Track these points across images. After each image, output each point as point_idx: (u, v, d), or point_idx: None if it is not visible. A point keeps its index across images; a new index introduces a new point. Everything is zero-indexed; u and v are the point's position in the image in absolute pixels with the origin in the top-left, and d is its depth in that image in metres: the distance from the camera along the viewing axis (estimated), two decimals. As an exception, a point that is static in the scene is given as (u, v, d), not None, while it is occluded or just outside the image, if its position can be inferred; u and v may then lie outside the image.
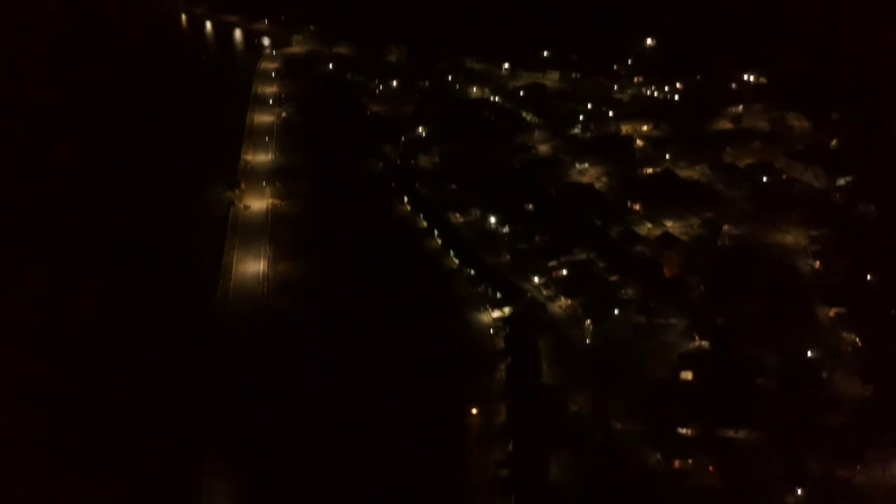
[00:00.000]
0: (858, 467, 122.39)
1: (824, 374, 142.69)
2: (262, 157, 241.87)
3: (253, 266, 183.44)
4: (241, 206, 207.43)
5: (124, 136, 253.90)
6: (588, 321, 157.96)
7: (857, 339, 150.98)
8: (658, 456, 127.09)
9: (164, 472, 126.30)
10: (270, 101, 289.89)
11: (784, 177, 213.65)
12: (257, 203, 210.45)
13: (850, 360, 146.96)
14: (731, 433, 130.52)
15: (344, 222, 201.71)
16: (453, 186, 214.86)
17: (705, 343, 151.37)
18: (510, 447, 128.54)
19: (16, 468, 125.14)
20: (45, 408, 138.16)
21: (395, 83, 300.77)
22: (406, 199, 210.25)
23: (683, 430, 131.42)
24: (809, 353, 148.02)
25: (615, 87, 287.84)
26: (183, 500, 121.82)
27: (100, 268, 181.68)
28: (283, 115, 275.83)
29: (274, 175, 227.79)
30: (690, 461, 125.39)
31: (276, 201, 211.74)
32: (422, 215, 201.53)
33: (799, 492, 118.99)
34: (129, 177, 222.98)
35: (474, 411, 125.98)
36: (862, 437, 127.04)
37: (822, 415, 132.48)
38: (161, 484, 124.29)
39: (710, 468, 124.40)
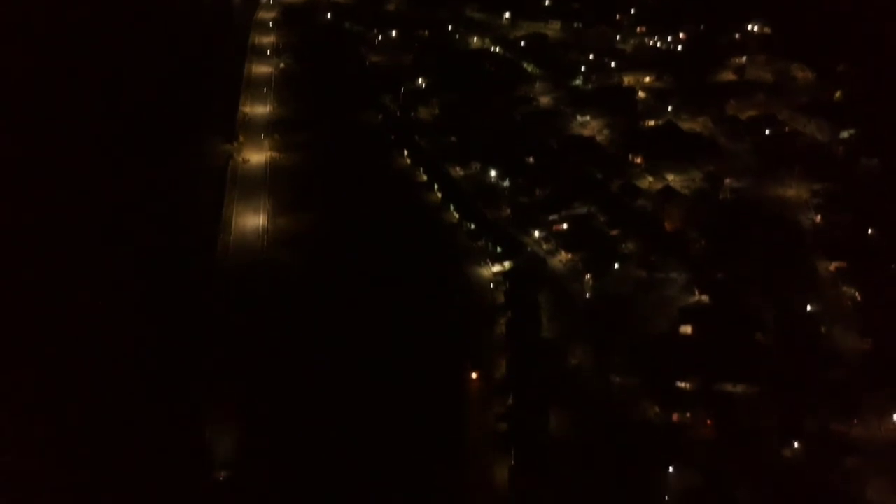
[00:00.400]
0: (855, 421, 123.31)
1: (823, 329, 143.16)
2: (260, 109, 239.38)
3: (252, 220, 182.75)
4: (240, 159, 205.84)
5: (120, 89, 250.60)
6: (588, 276, 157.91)
7: (857, 294, 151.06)
8: (656, 409, 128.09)
9: (167, 423, 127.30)
10: (268, 52, 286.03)
11: (787, 129, 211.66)
12: (256, 156, 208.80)
13: (850, 314, 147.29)
14: (729, 387, 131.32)
15: (343, 175, 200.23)
16: (453, 139, 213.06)
17: (705, 298, 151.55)
18: (510, 401, 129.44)
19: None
20: (46, 355, 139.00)
21: (394, 33, 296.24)
22: (405, 151, 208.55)
23: (682, 384, 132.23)
24: (809, 308, 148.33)
25: (618, 37, 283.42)
26: (186, 449, 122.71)
27: (98, 221, 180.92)
28: (281, 65, 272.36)
29: (272, 127, 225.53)
30: (688, 415, 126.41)
31: (275, 154, 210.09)
32: (421, 168, 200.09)
33: (795, 445, 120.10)
34: (126, 130, 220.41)
35: (474, 375, 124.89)
36: (859, 391, 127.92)
37: (821, 369, 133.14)
38: (163, 434, 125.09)
39: (708, 422, 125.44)
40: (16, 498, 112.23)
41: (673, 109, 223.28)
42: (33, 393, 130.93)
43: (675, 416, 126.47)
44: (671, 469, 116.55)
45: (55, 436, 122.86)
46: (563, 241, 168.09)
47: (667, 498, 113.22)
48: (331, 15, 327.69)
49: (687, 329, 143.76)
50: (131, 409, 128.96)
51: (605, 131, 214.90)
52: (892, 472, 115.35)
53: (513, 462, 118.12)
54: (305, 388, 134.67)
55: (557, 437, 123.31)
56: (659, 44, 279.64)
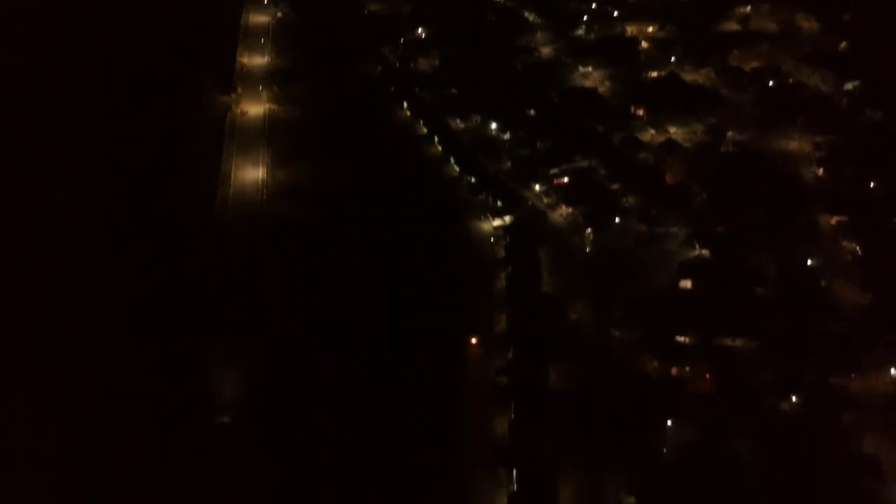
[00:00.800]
0: (853, 375, 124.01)
1: (823, 283, 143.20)
2: (258, 60, 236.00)
3: (252, 173, 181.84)
4: (238, 111, 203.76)
5: (115, 41, 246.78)
6: (588, 230, 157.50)
7: (858, 248, 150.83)
8: (655, 363, 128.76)
9: (169, 366, 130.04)
10: (265, 1, 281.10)
11: (791, 81, 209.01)
12: (254, 108, 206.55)
13: (850, 268, 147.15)
14: (728, 342, 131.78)
15: (342, 128, 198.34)
16: (453, 91, 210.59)
17: (705, 252, 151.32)
18: (510, 355, 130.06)
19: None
20: (50, 300, 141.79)
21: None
22: (405, 103, 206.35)
23: (681, 339, 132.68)
24: (809, 262, 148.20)
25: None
26: (188, 391, 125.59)
27: (96, 172, 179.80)
28: (279, 14, 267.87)
29: (270, 78, 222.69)
30: (687, 369, 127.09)
31: (274, 106, 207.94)
32: (421, 121, 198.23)
33: (794, 399, 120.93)
34: (122, 81, 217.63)
35: (474, 340, 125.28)
36: (858, 345, 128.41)
37: (820, 323, 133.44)
38: (166, 380, 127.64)
39: (707, 376, 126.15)
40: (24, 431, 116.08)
41: (676, 60, 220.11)
42: (39, 347, 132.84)
43: (674, 371, 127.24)
44: (669, 423, 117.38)
45: (60, 384, 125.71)
46: (564, 195, 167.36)
47: (665, 451, 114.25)
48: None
49: (687, 283, 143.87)
50: (134, 357, 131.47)
51: (607, 83, 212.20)
52: (890, 425, 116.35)
53: (513, 416, 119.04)
54: (305, 339, 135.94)
55: (557, 390, 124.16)
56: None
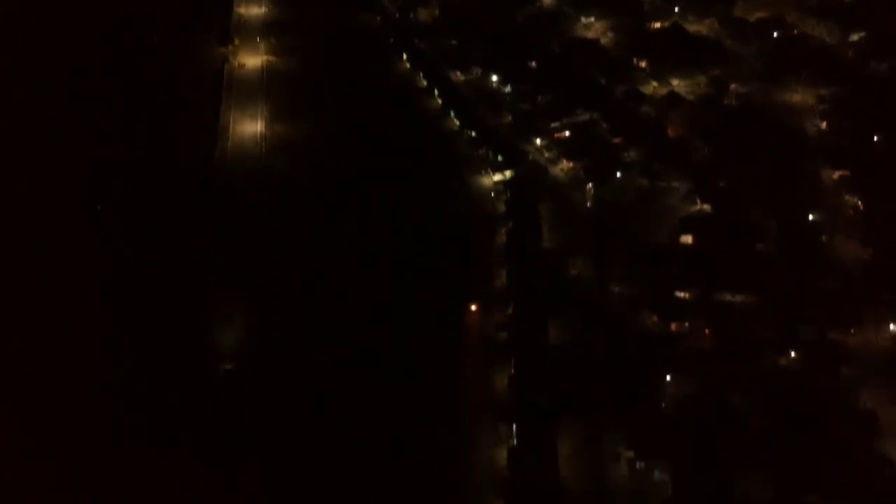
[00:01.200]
0: (852, 331, 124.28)
1: (824, 238, 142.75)
2: (255, 10, 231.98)
3: (250, 126, 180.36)
4: (236, 63, 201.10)
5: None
6: (590, 184, 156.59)
7: (860, 203, 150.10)
8: (655, 319, 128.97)
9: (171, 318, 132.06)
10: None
11: (795, 32, 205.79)
12: (252, 60, 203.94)
13: (852, 223, 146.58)
14: (728, 297, 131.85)
15: (341, 80, 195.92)
16: (453, 42, 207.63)
17: (707, 207, 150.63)
18: (510, 311, 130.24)
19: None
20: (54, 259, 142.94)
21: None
22: (405, 55, 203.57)
23: (681, 294, 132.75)
24: (811, 217, 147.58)
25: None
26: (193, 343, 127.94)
27: (91, 125, 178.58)
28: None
29: (268, 29, 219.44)
30: (687, 325, 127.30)
31: (271, 57, 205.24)
32: (421, 73, 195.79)
33: (792, 354, 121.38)
34: (116, 33, 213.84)
35: (474, 307, 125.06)
36: (858, 300, 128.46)
37: (820, 279, 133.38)
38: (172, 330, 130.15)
39: (706, 331, 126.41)
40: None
41: (679, 11, 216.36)
42: (42, 298, 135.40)
43: (673, 327, 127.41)
44: (668, 378, 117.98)
45: (64, 334, 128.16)
46: (565, 149, 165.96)
47: (663, 406, 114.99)
48: None
49: (687, 239, 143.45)
50: (140, 307, 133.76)
51: (610, 34, 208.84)
52: (888, 381, 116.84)
53: (513, 371, 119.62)
54: (305, 292, 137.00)
55: (557, 346, 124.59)
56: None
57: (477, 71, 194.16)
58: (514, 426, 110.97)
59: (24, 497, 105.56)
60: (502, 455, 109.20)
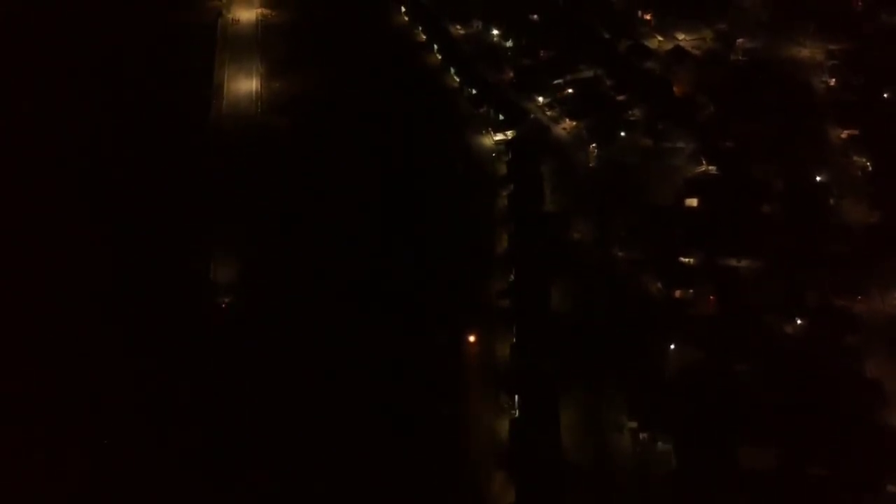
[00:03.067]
0: (858, 297, 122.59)
1: (832, 201, 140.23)
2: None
3: (245, 84, 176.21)
4: (230, 17, 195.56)
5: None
6: (593, 145, 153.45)
7: (868, 163, 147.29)
8: (658, 285, 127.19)
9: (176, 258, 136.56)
10: None
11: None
12: (246, 14, 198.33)
13: (860, 185, 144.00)
14: (733, 262, 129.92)
15: (338, 34, 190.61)
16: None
17: (712, 168, 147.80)
18: (511, 277, 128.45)
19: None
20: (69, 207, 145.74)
21: None
22: (403, 7, 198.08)
23: (685, 259, 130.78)
24: (818, 178, 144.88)
25: None
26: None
27: (80, 84, 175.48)
28: None
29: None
30: (691, 291, 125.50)
31: (266, 11, 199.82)
32: (420, 27, 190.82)
33: (798, 321, 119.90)
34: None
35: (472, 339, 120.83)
36: (864, 265, 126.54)
37: (827, 243, 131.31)
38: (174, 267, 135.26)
39: (710, 298, 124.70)
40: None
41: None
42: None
43: (677, 293, 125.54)
44: (672, 346, 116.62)
45: (72, 278, 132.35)
46: (568, 107, 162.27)
47: (667, 375, 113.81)
48: None
49: (692, 202, 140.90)
50: (141, 247, 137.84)
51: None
52: (893, 348, 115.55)
53: (514, 339, 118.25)
54: (301, 257, 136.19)
55: (558, 313, 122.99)
56: None
57: (477, 24, 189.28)
58: (516, 397, 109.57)
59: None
60: (504, 426, 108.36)
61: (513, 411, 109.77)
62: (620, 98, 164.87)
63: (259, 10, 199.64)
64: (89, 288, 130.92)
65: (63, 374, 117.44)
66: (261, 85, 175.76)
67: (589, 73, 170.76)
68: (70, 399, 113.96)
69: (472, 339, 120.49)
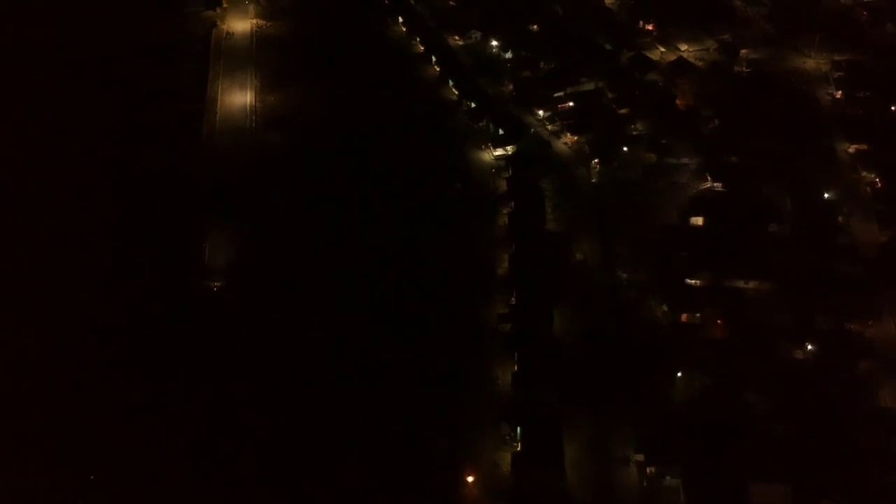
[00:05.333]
0: (870, 322, 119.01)
1: (840, 219, 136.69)
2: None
3: (239, 97, 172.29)
4: (224, 29, 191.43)
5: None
6: (595, 160, 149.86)
7: (877, 180, 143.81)
8: (664, 308, 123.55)
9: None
10: None
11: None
12: (241, 24, 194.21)
13: (869, 202, 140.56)
14: (741, 284, 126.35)
15: (334, 45, 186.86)
16: (451, 3, 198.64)
17: (718, 185, 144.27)
18: (513, 300, 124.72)
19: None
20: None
21: None
22: (401, 18, 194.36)
23: (692, 281, 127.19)
24: (826, 195, 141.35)
25: None
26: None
27: (77, 90, 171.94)
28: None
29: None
30: (698, 315, 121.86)
31: (261, 22, 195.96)
32: (418, 38, 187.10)
33: (808, 347, 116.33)
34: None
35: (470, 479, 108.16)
36: (876, 288, 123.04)
37: (836, 264, 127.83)
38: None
39: (718, 321, 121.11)
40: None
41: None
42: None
43: (684, 317, 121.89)
44: (679, 375, 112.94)
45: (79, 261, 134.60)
46: (569, 121, 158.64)
47: (674, 405, 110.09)
48: None
49: (698, 220, 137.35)
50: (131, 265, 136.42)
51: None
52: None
53: (516, 367, 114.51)
54: (300, 279, 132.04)
55: (562, 339, 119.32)
56: None
57: (476, 35, 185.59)
58: (519, 429, 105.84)
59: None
60: (506, 459, 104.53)
61: (515, 444, 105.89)
62: (622, 111, 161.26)
63: (254, 21, 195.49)
64: (87, 271, 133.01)
65: (53, 361, 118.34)
66: (255, 98, 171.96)
67: (590, 86, 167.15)
68: (60, 388, 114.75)
69: (471, 364, 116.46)
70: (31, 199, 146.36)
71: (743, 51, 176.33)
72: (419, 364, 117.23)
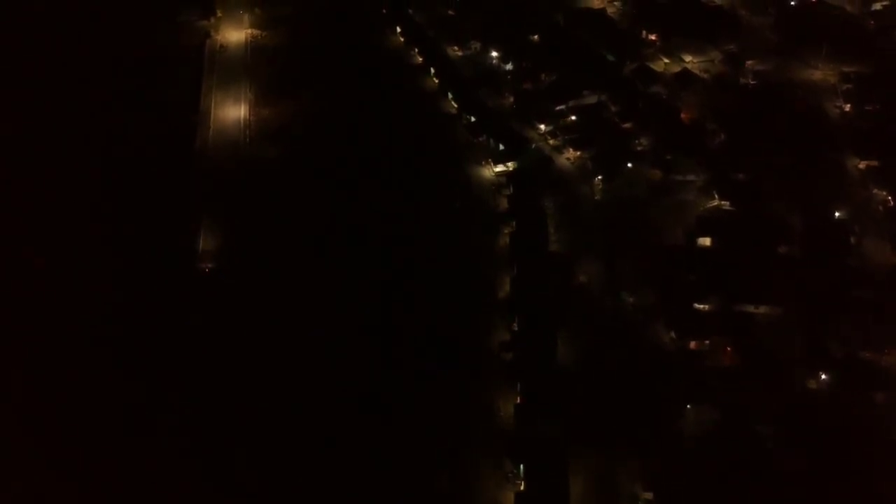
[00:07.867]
0: (886, 350, 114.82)
1: (853, 240, 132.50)
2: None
3: (233, 111, 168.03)
4: (217, 40, 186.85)
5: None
6: (598, 177, 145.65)
7: (890, 198, 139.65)
8: (672, 335, 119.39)
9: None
10: None
11: (814, 1, 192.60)
12: (235, 35, 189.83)
13: (882, 221, 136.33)
14: (750, 309, 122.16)
15: (331, 56, 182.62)
16: (450, 12, 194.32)
17: (725, 203, 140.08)
18: (515, 326, 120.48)
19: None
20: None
21: None
22: (399, 28, 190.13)
23: (700, 306, 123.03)
24: (837, 214, 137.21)
25: None
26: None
27: (69, 102, 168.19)
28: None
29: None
30: (707, 342, 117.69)
31: (256, 32, 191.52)
32: (416, 49, 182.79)
33: (822, 376, 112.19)
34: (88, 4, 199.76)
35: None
36: (891, 314, 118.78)
37: (849, 287, 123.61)
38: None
39: (728, 349, 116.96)
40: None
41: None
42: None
43: (692, 344, 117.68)
44: (688, 406, 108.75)
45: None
46: (571, 135, 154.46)
47: (684, 438, 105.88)
48: None
49: (705, 241, 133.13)
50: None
51: (617, 3, 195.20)
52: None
53: (519, 399, 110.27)
54: (295, 301, 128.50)
55: (566, 368, 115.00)
56: None
57: (476, 45, 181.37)
58: (522, 466, 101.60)
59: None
60: (509, 499, 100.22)
61: (518, 482, 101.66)
62: (626, 126, 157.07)
63: (248, 31, 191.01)
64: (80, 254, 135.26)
65: (47, 351, 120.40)
66: (249, 111, 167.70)
67: (593, 99, 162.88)
68: (54, 380, 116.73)
69: (471, 394, 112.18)
70: (25, 204, 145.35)
71: (749, 61, 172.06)
72: (416, 395, 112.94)
